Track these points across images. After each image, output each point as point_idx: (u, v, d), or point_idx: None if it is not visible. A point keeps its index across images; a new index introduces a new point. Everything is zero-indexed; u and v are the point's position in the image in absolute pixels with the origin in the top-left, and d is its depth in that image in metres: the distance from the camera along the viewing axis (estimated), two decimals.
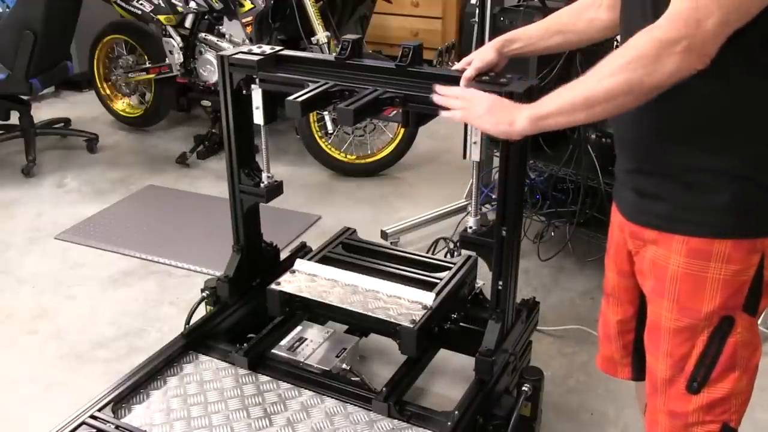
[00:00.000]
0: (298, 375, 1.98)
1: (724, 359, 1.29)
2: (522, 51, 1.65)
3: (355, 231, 2.44)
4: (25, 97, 4.01)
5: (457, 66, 1.73)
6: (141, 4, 3.88)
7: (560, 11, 1.61)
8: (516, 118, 1.31)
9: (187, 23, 3.89)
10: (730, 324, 1.27)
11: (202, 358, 2.04)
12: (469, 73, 1.66)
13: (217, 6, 3.73)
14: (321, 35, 3.64)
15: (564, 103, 1.23)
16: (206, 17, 3.89)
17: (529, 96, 1.63)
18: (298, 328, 2.19)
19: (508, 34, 1.65)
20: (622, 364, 1.56)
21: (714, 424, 1.33)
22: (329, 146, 3.82)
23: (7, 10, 4.04)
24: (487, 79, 1.67)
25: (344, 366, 2.07)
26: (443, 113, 1.52)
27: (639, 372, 1.54)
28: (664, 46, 1.10)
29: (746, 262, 1.24)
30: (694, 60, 1.10)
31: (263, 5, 3.67)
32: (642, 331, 1.43)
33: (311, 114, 3.62)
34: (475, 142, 1.75)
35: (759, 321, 1.35)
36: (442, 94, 1.52)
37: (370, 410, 1.84)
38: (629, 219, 1.38)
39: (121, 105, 4.49)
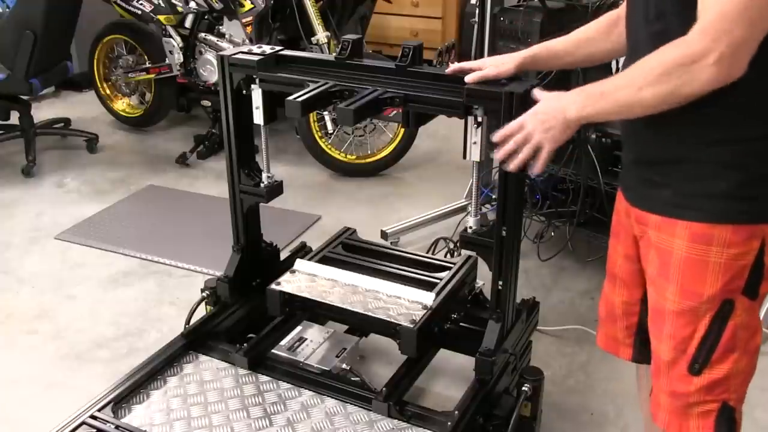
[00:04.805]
0: (298, 375, 1.98)
1: (725, 341, 1.32)
2: (544, 67, 1.64)
3: (355, 231, 2.44)
4: (25, 97, 4.01)
5: (454, 67, 1.72)
6: (141, 4, 3.88)
7: (587, 26, 1.58)
8: (566, 116, 1.32)
9: (187, 23, 3.89)
10: (730, 307, 1.30)
11: (202, 358, 2.04)
12: (475, 77, 1.63)
13: (217, 6, 3.74)
14: (321, 35, 3.63)
15: (608, 108, 1.27)
16: (206, 17, 3.89)
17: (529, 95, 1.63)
18: (298, 328, 2.20)
19: (533, 52, 1.62)
20: (625, 344, 1.59)
21: (714, 404, 1.36)
22: (329, 146, 3.81)
23: (7, 10, 4.04)
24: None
25: (344, 366, 2.07)
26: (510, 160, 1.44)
27: (639, 354, 1.57)
28: (695, 59, 1.13)
29: (746, 246, 1.27)
30: (727, 70, 1.13)
31: (263, 5, 3.67)
32: (646, 315, 1.45)
33: (311, 114, 3.62)
34: (475, 142, 1.75)
35: (761, 316, 1.37)
36: (499, 140, 1.43)
37: (370, 410, 1.84)
38: (634, 204, 1.41)
39: (121, 105, 4.49)
